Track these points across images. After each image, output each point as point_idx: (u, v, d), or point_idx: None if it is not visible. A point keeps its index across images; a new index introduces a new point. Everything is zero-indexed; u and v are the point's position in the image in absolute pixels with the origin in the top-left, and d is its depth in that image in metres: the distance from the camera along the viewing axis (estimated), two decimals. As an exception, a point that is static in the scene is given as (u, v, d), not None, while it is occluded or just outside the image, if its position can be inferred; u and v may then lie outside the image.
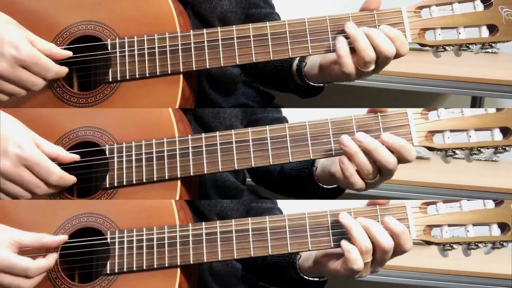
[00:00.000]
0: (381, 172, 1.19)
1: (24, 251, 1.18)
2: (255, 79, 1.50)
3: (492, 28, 1.21)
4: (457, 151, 1.20)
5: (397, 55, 1.21)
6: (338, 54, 1.21)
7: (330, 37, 1.23)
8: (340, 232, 1.19)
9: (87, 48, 1.27)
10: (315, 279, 1.29)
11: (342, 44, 1.21)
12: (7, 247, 1.16)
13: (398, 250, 1.17)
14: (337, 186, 1.33)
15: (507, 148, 1.19)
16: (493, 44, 1.22)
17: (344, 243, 1.17)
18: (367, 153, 1.18)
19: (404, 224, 1.17)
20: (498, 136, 1.19)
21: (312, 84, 1.36)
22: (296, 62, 1.38)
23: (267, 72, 1.45)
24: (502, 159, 2.40)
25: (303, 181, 1.36)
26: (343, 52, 1.21)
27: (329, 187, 1.34)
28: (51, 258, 1.20)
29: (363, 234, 1.16)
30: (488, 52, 1.23)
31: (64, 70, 1.25)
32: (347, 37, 1.21)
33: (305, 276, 1.28)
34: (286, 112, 1.50)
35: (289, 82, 1.42)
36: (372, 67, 1.21)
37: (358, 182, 1.19)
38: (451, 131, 1.20)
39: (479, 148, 1.19)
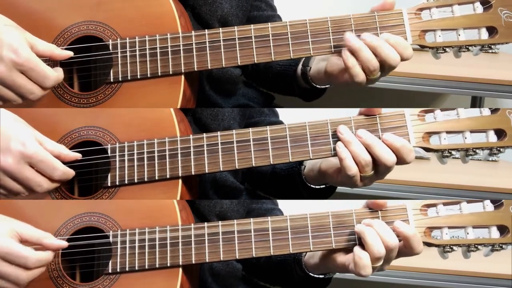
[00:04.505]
0: (378, 169, 1.19)
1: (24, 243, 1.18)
2: (256, 82, 1.50)
3: (491, 30, 1.22)
4: (453, 152, 1.21)
5: (402, 59, 1.21)
6: (347, 65, 1.21)
7: (332, 38, 1.23)
8: (341, 233, 1.20)
9: (88, 49, 1.28)
10: (321, 276, 1.29)
11: (348, 56, 1.21)
12: (9, 237, 1.16)
13: (409, 253, 1.18)
14: (325, 187, 1.34)
15: (501, 149, 1.20)
16: (492, 46, 1.23)
17: (356, 249, 1.17)
18: (372, 50, 1.19)
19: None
20: (492, 137, 1.20)
21: (318, 86, 1.36)
22: (300, 66, 1.38)
23: (269, 76, 1.45)
24: (502, 159, 2.40)
25: (293, 180, 1.36)
26: (351, 64, 1.21)
27: (317, 187, 1.34)
28: (51, 253, 1.19)
29: (377, 240, 1.16)
30: (488, 52, 1.23)
31: (62, 76, 1.23)
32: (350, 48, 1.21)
33: (311, 274, 1.29)
34: (285, 112, 1.50)
35: (293, 86, 1.42)
36: (378, 74, 1.21)
37: (360, 74, 1.19)
38: (447, 132, 1.21)
39: (474, 149, 1.21)
